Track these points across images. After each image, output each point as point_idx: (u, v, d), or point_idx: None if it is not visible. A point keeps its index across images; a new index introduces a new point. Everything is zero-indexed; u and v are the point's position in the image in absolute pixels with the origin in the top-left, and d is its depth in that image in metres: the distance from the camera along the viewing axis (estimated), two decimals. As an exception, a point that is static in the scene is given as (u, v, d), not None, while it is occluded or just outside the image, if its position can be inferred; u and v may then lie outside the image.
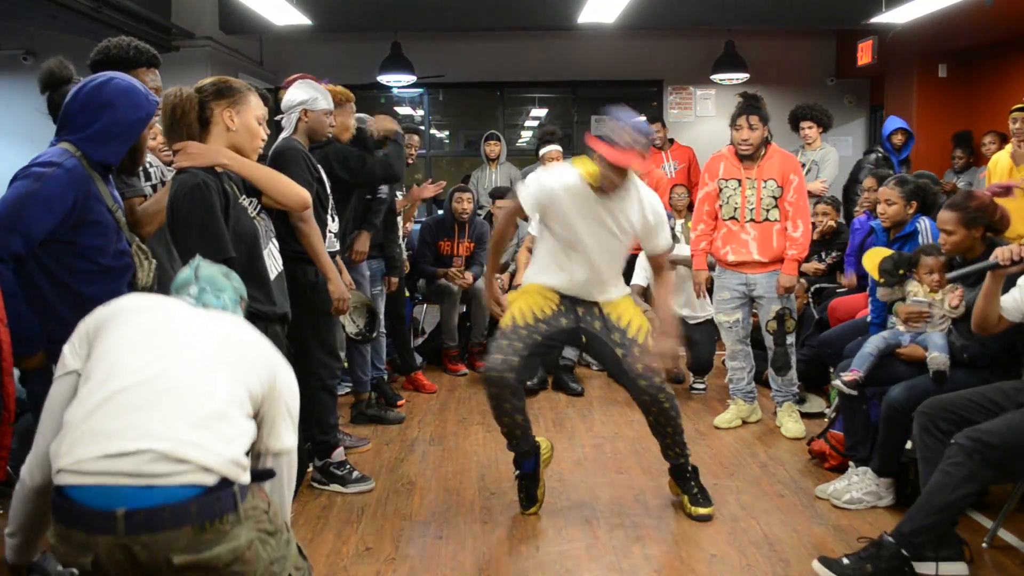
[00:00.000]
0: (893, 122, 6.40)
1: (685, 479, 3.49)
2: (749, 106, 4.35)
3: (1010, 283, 3.01)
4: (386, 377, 5.05)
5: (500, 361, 3.21)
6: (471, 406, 5.08)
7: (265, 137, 2.63)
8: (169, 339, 1.82)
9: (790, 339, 4.47)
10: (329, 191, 3.67)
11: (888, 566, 2.77)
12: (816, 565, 2.86)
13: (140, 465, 1.61)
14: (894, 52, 7.95)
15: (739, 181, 4.41)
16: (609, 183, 3.16)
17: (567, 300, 3.38)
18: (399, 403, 4.99)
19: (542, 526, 3.37)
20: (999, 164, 5.07)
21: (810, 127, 6.11)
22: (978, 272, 3.00)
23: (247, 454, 1.77)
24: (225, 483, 1.66)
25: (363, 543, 3.23)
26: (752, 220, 4.39)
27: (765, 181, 4.35)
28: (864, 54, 8.21)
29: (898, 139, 6.19)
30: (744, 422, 4.63)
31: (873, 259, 3.78)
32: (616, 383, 3.48)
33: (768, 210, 4.37)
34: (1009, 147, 5.03)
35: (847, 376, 3.56)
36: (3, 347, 2.30)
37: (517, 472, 3.48)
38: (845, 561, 2.83)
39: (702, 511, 3.39)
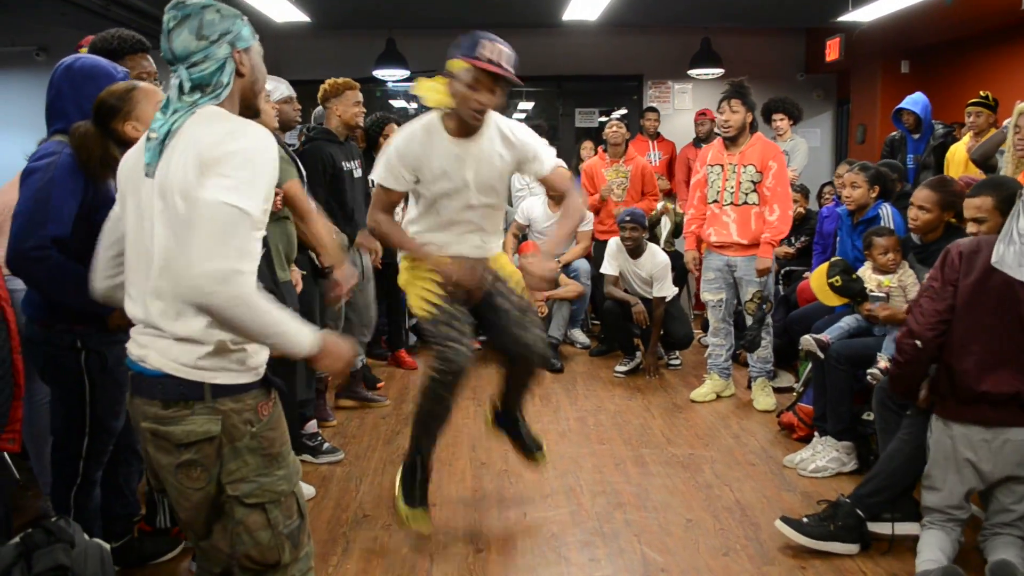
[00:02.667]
0: (905, 101, 5.68)
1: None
2: (733, 90, 4.37)
3: None
4: (364, 360, 4.98)
5: (465, 350, 2.74)
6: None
7: None
8: (133, 244, 1.69)
9: (767, 320, 4.49)
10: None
11: (844, 524, 2.81)
12: (779, 524, 2.89)
13: (135, 346, 1.69)
14: (859, 49, 7.94)
15: (722, 167, 4.43)
16: (470, 103, 2.66)
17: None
18: (379, 384, 4.93)
19: (529, 494, 3.38)
20: (956, 155, 5.07)
21: (781, 119, 6.12)
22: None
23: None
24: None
25: (361, 510, 3.24)
26: (732, 203, 4.40)
27: (745, 166, 4.36)
28: (832, 51, 8.19)
29: (904, 117, 5.61)
30: (718, 396, 4.65)
31: (819, 280, 3.75)
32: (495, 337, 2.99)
33: (747, 194, 4.36)
34: (966, 139, 5.02)
35: (819, 336, 3.58)
36: (10, 325, 2.28)
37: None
38: (805, 520, 2.87)
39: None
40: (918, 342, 2.60)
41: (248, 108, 1.74)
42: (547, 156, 2.91)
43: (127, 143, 2.26)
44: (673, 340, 5.26)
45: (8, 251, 2.29)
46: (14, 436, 2.32)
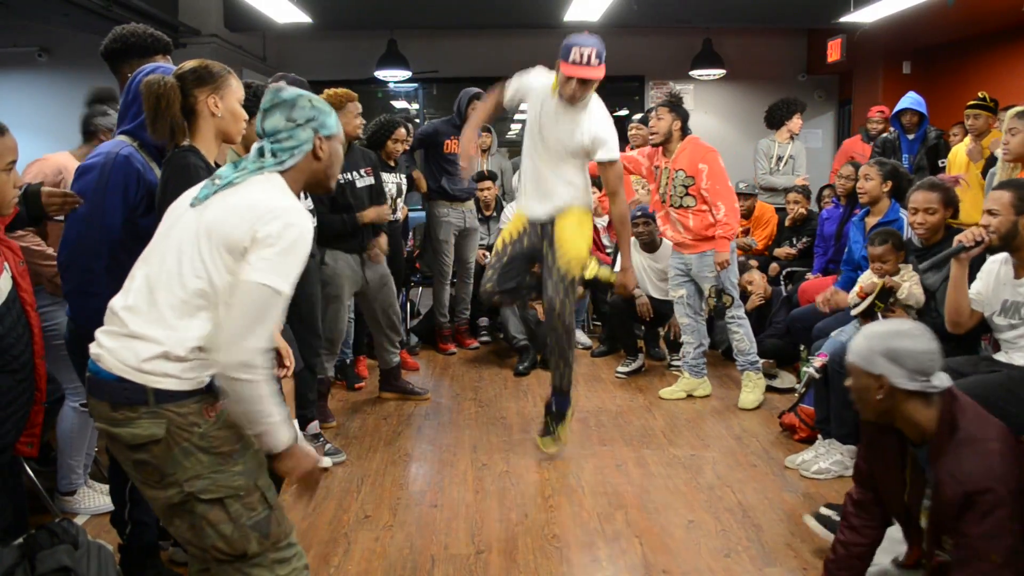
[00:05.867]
0: (904, 100, 5.73)
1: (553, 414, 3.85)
2: (663, 101, 4.48)
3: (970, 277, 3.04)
4: (349, 361, 4.98)
5: (487, 279, 3.76)
6: (464, 383, 5.09)
7: (247, 119, 2.44)
8: (150, 248, 1.86)
9: (731, 312, 4.51)
10: None
11: None
12: (809, 520, 2.88)
13: (94, 346, 1.80)
14: (861, 50, 7.95)
15: (661, 169, 4.54)
16: (566, 92, 3.45)
17: (531, 224, 3.73)
18: (357, 385, 4.94)
19: (530, 494, 3.38)
20: (957, 157, 5.07)
21: (799, 117, 6.15)
22: (947, 258, 3.03)
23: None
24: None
25: (363, 511, 3.24)
26: (672, 205, 4.50)
27: (676, 171, 4.43)
28: (833, 51, 8.20)
29: (906, 119, 5.64)
30: (690, 395, 4.66)
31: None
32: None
33: (682, 197, 4.44)
34: (966, 141, 5.03)
35: (817, 363, 3.59)
36: (34, 331, 2.30)
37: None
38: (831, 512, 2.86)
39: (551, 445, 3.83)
40: None
41: (319, 187, 1.96)
42: (606, 150, 3.56)
43: (194, 115, 2.28)
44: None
45: (62, 251, 2.42)
46: (32, 440, 2.33)
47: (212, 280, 1.74)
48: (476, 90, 5.60)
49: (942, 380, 2.06)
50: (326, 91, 4.12)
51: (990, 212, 2.84)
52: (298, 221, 1.76)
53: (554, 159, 3.62)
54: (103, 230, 2.35)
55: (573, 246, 3.61)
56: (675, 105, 4.45)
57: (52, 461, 3.61)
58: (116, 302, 1.81)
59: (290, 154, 1.86)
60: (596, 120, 3.56)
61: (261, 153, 1.86)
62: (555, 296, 3.59)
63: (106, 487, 3.31)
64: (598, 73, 3.41)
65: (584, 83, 3.43)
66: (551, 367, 3.83)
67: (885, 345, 2.05)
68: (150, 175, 2.41)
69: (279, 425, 1.74)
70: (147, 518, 2.59)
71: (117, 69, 2.74)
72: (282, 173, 1.86)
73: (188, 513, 1.77)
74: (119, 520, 2.58)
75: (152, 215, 2.35)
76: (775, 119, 6.31)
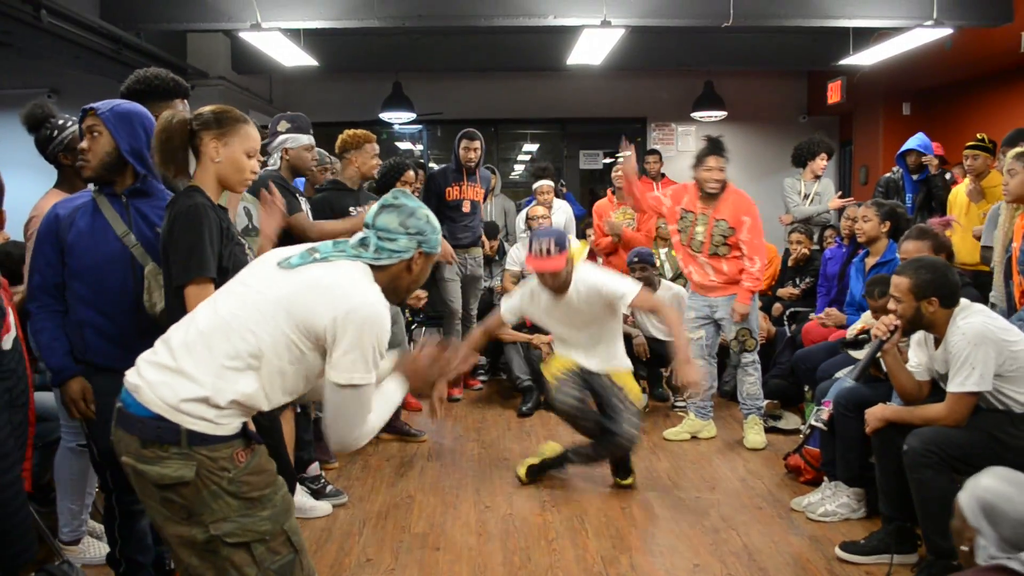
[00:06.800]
0: (911, 141, 5.74)
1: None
2: (717, 147, 4.42)
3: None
4: None
5: (572, 397, 3.79)
6: (467, 424, 5.06)
7: (255, 170, 2.39)
8: (224, 293, 1.89)
9: (749, 356, 4.51)
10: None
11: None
12: (839, 552, 3.07)
13: (134, 375, 1.80)
14: (861, 91, 8.04)
15: (695, 215, 4.48)
16: (544, 285, 3.66)
17: (583, 369, 3.89)
18: None
19: (534, 537, 3.35)
20: (958, 199, 5.10)
21: (823, 158, 6.18)
22: (872, 357, 3.11)
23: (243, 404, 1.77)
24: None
25: (364, 554, 3.21)
26: (702, 253, 4.48)
27: (718, 220, 4.41)
28: (834, 93, 8.30)
29: (911, 159, 5.67)
30: (694, 437, 4.63)
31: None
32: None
33: (718, 246, 4.43)
34: (966, 182, 5.05)
35: (824, 415, 3.55)
36: (27, 363, 2.31)
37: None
38: (862, 541, 3.06)
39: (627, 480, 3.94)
40: None
41: (394, 296, 1.97)
42: (627, 292, 3.64)
43: (200, 156, 2.28)
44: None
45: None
46: (25, 475, 2.32)
47: (276, 348, 1.76)
48: (467, 130, 5.63)
49: None
50: (346, 131, 4.22)
51: (895, 298, 2.94)
52: (375, 304, 1.81)
53: (580, 325, 3.80)
54: (38, 276, 2.47)
55: (634, 389, 3.87)
56: (726, 156, 4.42)
57: (52, 502, 3.58)
58: (175, 335, 1.82)
59: (389, 255, 1.91)
60: (593, 287, 3.66)
61: (363, 243, 1.92)
62: (633, 428, 3.73)
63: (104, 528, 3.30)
64: (557, 263, 3.52)
65: (554, 274, 3.58)
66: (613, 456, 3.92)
67: (989, 497, 1.73)
68: (78, 217, 2.47)
69: (392, 392, 1.98)
70: (141, 557, 2.56)
71: None
72: (373, 268, 1.90)
73: (211, 554, 1.76)
74: (113, 559, 2.55)
75: (78, 253, 2.43)
76: (799, 159, 6.30)
